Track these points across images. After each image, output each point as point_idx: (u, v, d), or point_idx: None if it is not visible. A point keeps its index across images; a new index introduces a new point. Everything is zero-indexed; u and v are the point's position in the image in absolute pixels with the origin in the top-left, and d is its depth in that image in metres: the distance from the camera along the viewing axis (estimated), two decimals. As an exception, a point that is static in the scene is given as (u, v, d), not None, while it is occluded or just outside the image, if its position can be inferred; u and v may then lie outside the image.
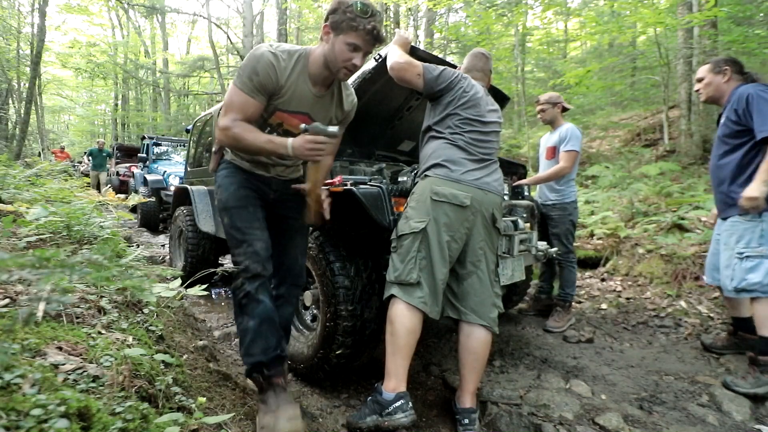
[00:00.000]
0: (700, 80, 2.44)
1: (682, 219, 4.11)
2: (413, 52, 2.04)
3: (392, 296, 1.67)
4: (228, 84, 15.84)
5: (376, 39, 1.42)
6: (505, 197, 2.13)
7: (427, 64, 1.82)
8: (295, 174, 1.74)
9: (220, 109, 1.54)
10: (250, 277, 1.46)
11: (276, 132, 1.57)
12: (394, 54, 1.85)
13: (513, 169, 2.78)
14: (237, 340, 2.64)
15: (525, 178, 2.85)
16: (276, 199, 1.66)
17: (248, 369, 1.50)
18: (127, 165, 11.01)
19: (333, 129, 1.40)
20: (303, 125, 1.42)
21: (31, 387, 0.76)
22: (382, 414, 1.54)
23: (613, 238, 4.34)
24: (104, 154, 10.50)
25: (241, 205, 1.55)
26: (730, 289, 2.18)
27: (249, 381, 1.64)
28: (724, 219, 2.30)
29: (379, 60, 2.05)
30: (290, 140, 1.40)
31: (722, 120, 2.31)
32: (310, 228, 1.87)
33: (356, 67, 1.46)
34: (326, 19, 1.44)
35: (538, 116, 3.19)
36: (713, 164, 2.37)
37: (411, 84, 1.82)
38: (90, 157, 10.62)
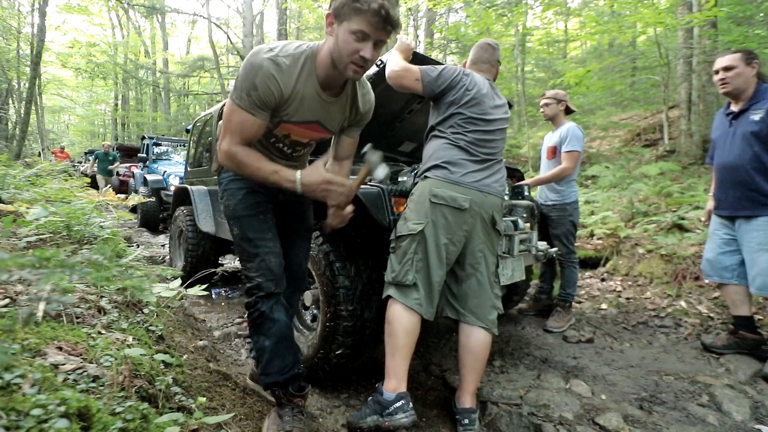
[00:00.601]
0: (727, 69, 2.28)
1: (682, 219, 4.11)
2: (414, 57, 2.01)
3: (389, 297, 1.67)
4: (228, 84, 15.86)
5: (386, 22, 1.16)
6: (506, 197, 2.12)
7: (425, 66, 1.79)
8: None
9: (221, 110, 1.48)
10: (264, 296, 1.39)
11: (282, 143, 1.45)
12: (391, 61, 1.82)
13: (509, 173, 2.77)
14: (237, 340, 2.65)
15: (523, 180, 2.84)
16: (284, 201, 1.57)
17: (266, 385, 1.49)
18: (127, 165, 11.02)
19: (384, 172, 1.28)
20: (364, 149, 1.29)
21: (31, 387, 0.77)
22: (382, 414, 1.54)
23: (613, 238, 4.34)
24: (110, 158, 10.38)
25: (252, 213, 1.44)
26: None
27: (268, 394, 1.64)
28: (748, 218, 2.25)
29: (381, 66, 2.02)
30: (299, 175, 1.25)
31: (752, 117, 2.22)
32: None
33: (366, 61, 1.21)
34: (330, 7, 1.21)
35: (541, 110, 3.16)
36: (737, 161, 2.27)
37: (411, 89, 1.80)
38: (96, 161, 10.54)
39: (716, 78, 2.37)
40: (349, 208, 1.41)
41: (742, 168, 2.26)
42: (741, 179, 2.28)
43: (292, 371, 1.45)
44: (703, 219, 2.73)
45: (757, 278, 2.23)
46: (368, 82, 1.51)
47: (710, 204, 2.65)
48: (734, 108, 2.37)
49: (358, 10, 1.14)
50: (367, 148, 1.30)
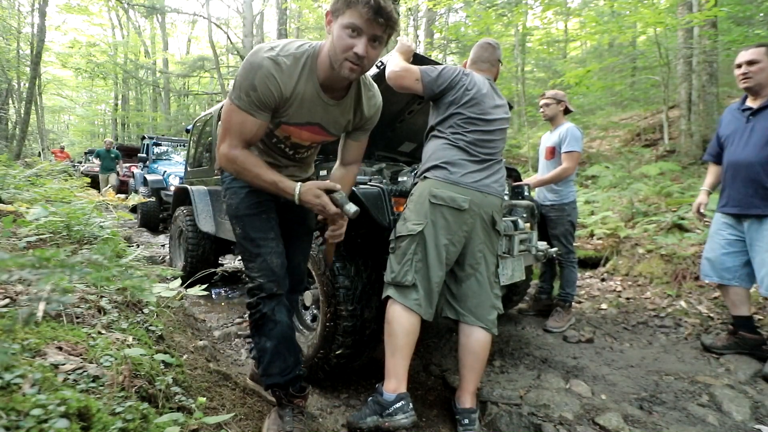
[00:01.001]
0: (751, 63, 2.24)
1: (682, 219, 4.11)
2: (414, 58, 2.00)
3: (389, 297, 1.67)
4: (228, 84, 15.85)
5: (377, 13, 1.11)
6: (505, 197, 2.13)
7: (424, 66, 1.79)
8: (306, 173, 1.63)
9: (221, 110, 1.48)
10: (265, 297, 1.38)
11: (284, 144, 1.43)
12: (392, 62, 1.82)
13: (506, 172, 2.75)
14: (237, 340, 2.64)
15: (520, 180, 2.83)
16: (285, 202, 1.52)
17: (266, 386, 1.49)
18: (127, 165, 11.01)
19: (354, 209, 1.25)
20: (335, 193, 1.24)
21: (31, 387, 0.77)
22: (382, 414, 1.54)
23: (613, 238, 4.34)
24: (112, 156, 9.89)
25: (254, 212, 1.42)
26: None
27: (268, 394, 1.64)
28: (760, 217, 2.22)
29: (381, 67, 2.02)
30: (298, 188, 1.25)
31: None
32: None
33: (360, 58, 1.16)
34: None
35: (540, 110, 3.16)
36: (753, 158, 2.23)
37: (411, 89, 1.80)
38: (97, 158, 10.24)
39: (738, 72, 2.31)
40: (342, 225, 1.41)
41: (759, 165, 2.22)
42: (755, 176, 2.23)
43: (293, 372, 1.44)
44: (692, 212, 2.70)
45: (765, 278, 2.20)
46: (375, 85, 1.46)
47: (701, 198, 2.63)
48: (752, 104, 2.32)
49: (349, 3, 1.13)
50: (333, 194, 1.27)
